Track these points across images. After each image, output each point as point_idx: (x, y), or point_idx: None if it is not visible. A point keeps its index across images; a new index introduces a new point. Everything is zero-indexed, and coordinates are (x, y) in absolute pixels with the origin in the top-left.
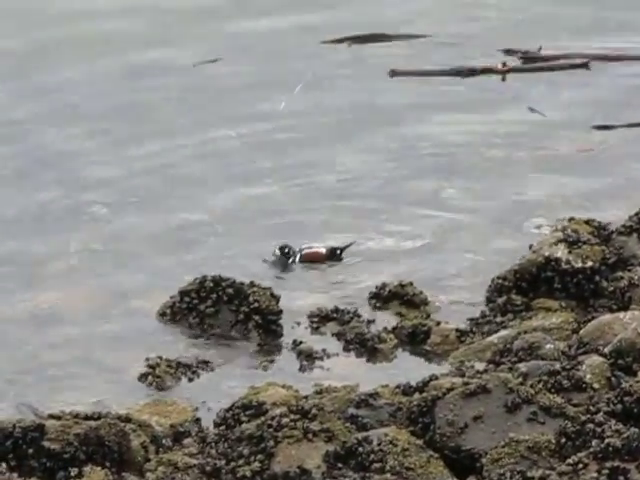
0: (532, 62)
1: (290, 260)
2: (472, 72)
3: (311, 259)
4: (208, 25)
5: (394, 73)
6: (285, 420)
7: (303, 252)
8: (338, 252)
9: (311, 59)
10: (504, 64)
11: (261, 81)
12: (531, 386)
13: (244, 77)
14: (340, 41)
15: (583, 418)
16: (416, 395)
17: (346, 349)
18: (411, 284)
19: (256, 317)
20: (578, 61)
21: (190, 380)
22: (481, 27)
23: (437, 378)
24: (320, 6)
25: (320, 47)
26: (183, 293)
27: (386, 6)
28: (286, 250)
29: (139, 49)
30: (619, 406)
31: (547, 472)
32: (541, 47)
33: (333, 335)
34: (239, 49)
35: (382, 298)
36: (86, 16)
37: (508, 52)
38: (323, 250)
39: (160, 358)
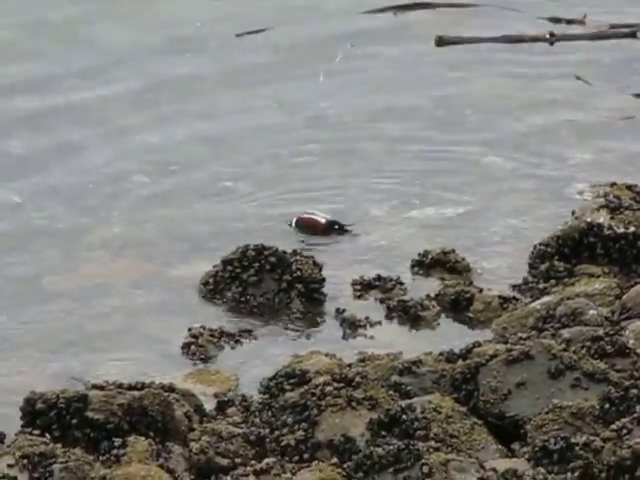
0: (579, 31)
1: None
2: (520, 40)
3: (308, 225)
4: None
5: (441, 40)
6: (329, 388)
7: (300, 217)
8: (336, 227)
9: (354, 28)
10: (552, 33)
11: (302, 51)
12: (574, 352)
13: (285, 48)
14: (383, 10)
15: (627, 383)
16: (459, 362)
17: (389, 317)
18: (453, 251)
19: (299, 285)
20: (625, 30)
21: (233, 349)
22: None
23: (480, 345)
24: None
25: (363, 16)
26: (225, 262)
27: None
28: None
29: (179, 20)
30: None
31: (591, 438)
32: (586, 15)
33: (376, 302)
34: (281, 19)
35: (424, 265)
36: None
37: (553, 20)
38: (322, 220)
39: (203, 327)
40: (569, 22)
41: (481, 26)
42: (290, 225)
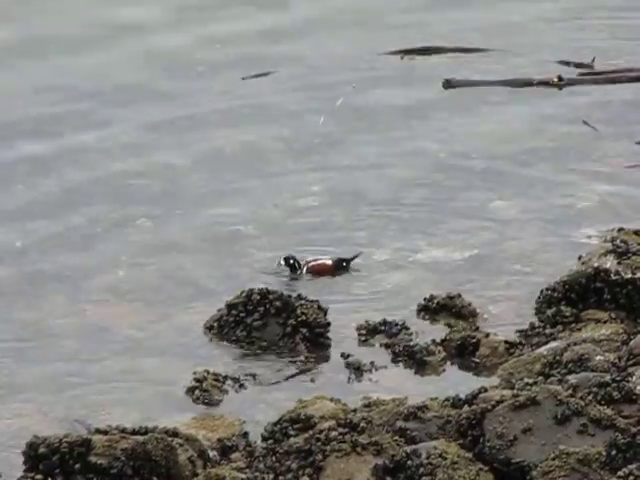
0: (587, 74)
1: (298, 272)
2: (527, 84)
3: (318, 271)
4: (260, 42)
5: (448, 84)
6: (333, 433)
7: (310, 264)
8: (344, 264)
9: (365, 70)
10: (559, 77)
11: (311, 92)
12: (581, 398)
13: (292, 89)
14: (395, 53)
15: (634, 430)
16: (465, 408)
17: (394, 361)
18: (459, 296)
19: (304, 330)
20: (634, 74)
21: (237, 393)
22: (534, 39)
23: (486, 390)
24: (373, 19)
25: (375, 58)
26: (230, 306)
27: (439, 20)
28: (291, 261)
29: (189, 61)
30: None
31: None
32: (594, 59)
33: (381, 347)
34: (291, 61)
35: (430, 310)
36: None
37: (562, 63)
38: (329, 262)
39: (207, 372)
40: (577, 65)
41: (489, 70)
42: (300, 273)
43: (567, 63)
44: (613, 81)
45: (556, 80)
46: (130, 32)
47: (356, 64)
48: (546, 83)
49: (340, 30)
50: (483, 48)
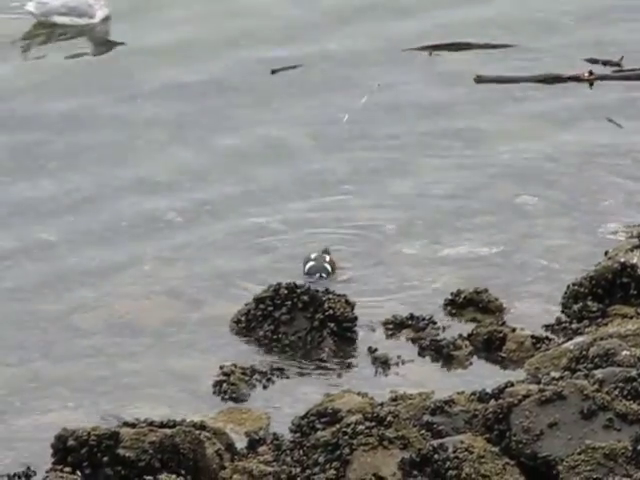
0: (617, 71)
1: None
2: (557, 79)
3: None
4: (291, 33)
5: (480, 79)
6: (360, 427)
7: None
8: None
9: (393, 66)
10: (590, 72)
11: (336, 88)
12: (607, 393)
13: (319, 83)
14: (422, 49)
15: None
16: (492, 402)
17: (421, 355)
18: (486, 291)
19: (331, 324)
20: None
21: (265, 387)
22: (562, 36)
23: (513, 385)
24: (402, 14)
25: (402, 54)
26: (258, 300)
27: (466, 15)
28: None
29: (216, 53)
30: None
31: (624, 479)
32: (622, 57)
33: (408, 341)
34: (319, 56)
35: (457, 305)
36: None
37: (590, 61)
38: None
39: (235, 366)
40: (605, 63)
41: (516, 67)
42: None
43: (595, 61)
44: None
45: (587, 75)
46: None
47: (382, 60)
48: (577, 78)
49: (366, 24)
50: (510, 44)
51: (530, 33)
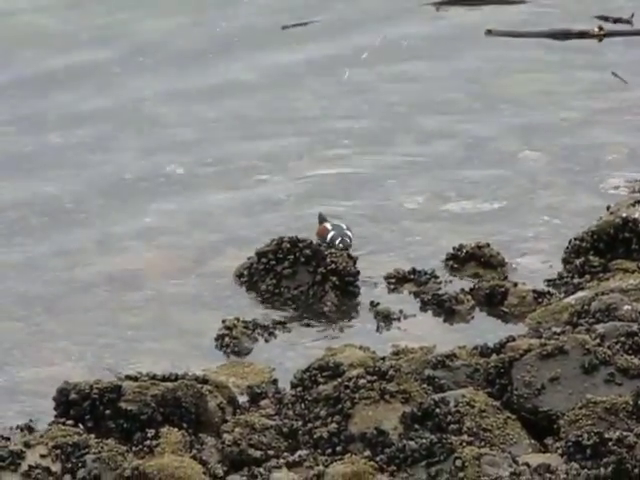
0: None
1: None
2: (567, 35)
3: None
4: None
5: (490, 32)
6: (362, 381)
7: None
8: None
9: (391, 22)
10: (600, 27)
11: (347, 44)
12: (608, 347)
13: (331, 40)
14: (440, 3)
15: None
16: (493, 356)
17: (423, 310)
18: (488, 245)
19: (333, 278)
20: None
21: (267, 341)
22: None
23: (514, 339)
24: None
25: (419, 8)
26: (260, 254)
27: None
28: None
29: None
30: None
31: (625, 433)
32: (633, 14)
33: (410, 296)
34: (332, 11)
35: (459, 259)
36: None
37: (601, 18)
38: (329, 227)
39: (237, 319)
40: (616, 21)
41: (526, 22)
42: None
43: (605, 18)
44: None
45: (597, 31)
46: None
47: (388, 15)
48: (586, 34)
49: None
50: (521, 1)
51: None
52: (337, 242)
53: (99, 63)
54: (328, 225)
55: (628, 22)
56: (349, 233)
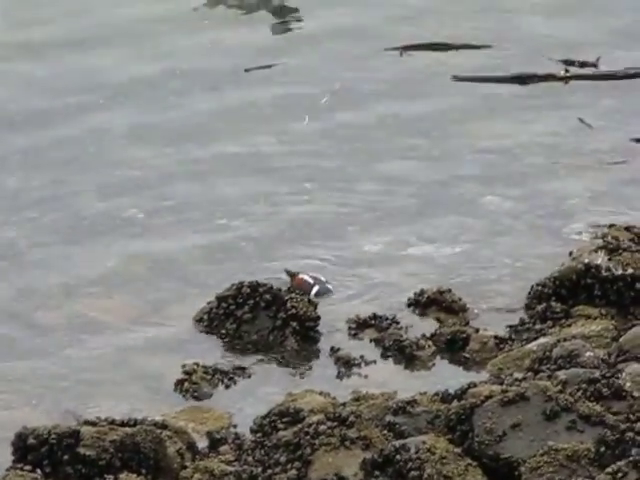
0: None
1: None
2: (533, 78)
3: (299, 286)
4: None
5: (456, 78)
6: (322, 427)
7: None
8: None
9: (372, 65)
10: (566, 70)
11: (306, 90)
12: (570, 394)
13: (290, 85)
14: (404, 48)
15: (623, 427)
16: (454, 403)
17: (384, 356)
18: (450, 290)
19: (294, 323)
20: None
21: (227, 387)
22: (538, 39)
23: (475, 385)
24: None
25: (380, 54)
26: (220, 299)
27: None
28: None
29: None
30: None
31: None
32: (599, 58)
33: (371, 342)
34: (293, 54)
35: (420, 304)
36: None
37: (567, 62)
38: (311, 281)
39: (197, 364)
40: (582, 65)
41: (492, 67)
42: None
43: (571, 62)
44: (619, 77)
45: (563, 73)
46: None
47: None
48: (552, 77)
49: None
50: (488, 45)
51: (502, 34)
52: (321, 293)
53: (56, 104)
54: (306, 277)
55: (594, 65)
56: (326, 283)
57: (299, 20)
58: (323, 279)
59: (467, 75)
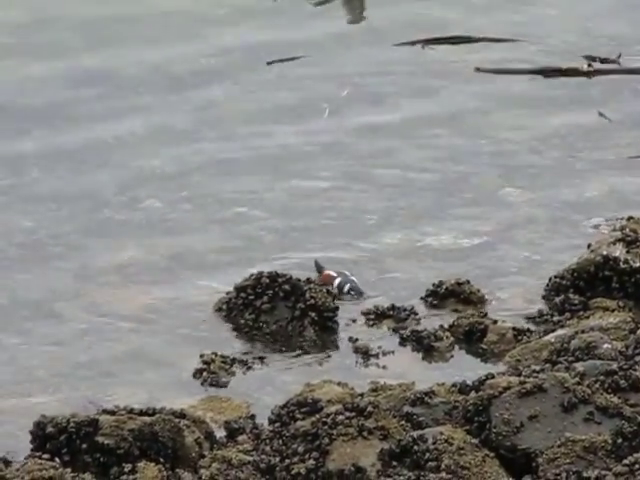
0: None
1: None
2: (555, 72)
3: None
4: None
5: (478, 70)
6: (340, 418)
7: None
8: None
9: (393, 58)
10: (589, 65)
11: (326, 83)
12: (588, 386)
13: (308, 77)
14: (427, 41)
15: None
16: (472, 394)
17: (402, 346)
18: (468, 282)
19: (312, 314)
20: None
21: (245, 376)
22: (563, 34)
23: (493, 377)
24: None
25: (401, 48)
26: (239, 289)
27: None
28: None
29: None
30: None
31: (603, 472)
32: (620, 54)
33: (389, 332)
34: (314, 49)
35: (439, 296)
36: None
37: (588, 58)
38: (335, 274)
39: (215, 354)
40: (603, 61)
41: (514, 61)
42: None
43: (593, 58)
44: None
45: (586, 68)
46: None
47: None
48: (576, 71)
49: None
50: (511, 39)
51: (528, 29)
52: (346, 289)
53: (77, 98)
54: (332, 272)
55: (615, 62)
56: (354, 278)
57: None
58: (348, 274)
59: (489, 67)
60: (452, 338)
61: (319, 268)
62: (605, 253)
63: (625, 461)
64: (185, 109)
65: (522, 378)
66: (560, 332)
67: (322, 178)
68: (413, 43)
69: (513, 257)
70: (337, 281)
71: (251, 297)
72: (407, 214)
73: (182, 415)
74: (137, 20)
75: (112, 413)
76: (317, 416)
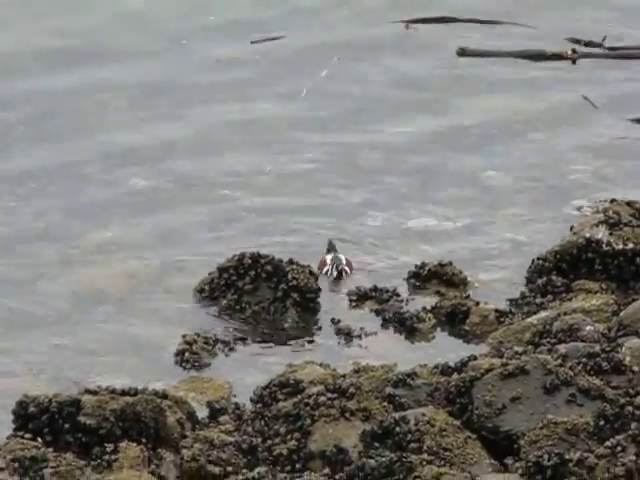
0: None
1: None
2: (540, 56)
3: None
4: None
5: (463, 52)
6: (322, 399)
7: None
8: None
9: (375, 37)
10: (574, 50)
11: (308, 61)
12: (570, 368)
13: (296, 55)
14: (410, 21)
15: (622, 401)
16: (454, 375)
17: (384, 328)
18: (451, 264)
19: (294, 295)
20: None
21: (227, 357)
22: (549, 15)
23: (476, 358)
24: None
25: (385, 27)
26: (221, 270)
27: None
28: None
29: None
30: None
31: (585, 454)
32: (605, 37)
33: (372, 313)
34: (301, 29)
35: (421, 277)
36: None
37: (572, 41)
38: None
39: (197, 335)
40: (587, 44)
41: (499, 43)
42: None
43: (577, 41)
44: (626, 57)
45: (570, 53)
46: None
47: (356, 32)
48: (560, 56)
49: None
50: (497, 20)
51: (514, 10)
52: (330, 272)
53: (59, 76)
54: (328, 258)
55: (600, 45)
56: (345, 266)
57: None
58: (343, 261)
59: (474, 49)
60: (434, 320)
61: (330, 247)
62: (588, 235)
63: (607, 443)
64: (167, 88)
65: (504, 360)
66: (543, 314)
67: (306, 159)
68: (399, 23)
69: (496, 239)
70: (325, 269)
71: (233, 278)
72: (390, 196)
73: (164, 395)
74: None
75: (94, 393)
76: (299, 397)
